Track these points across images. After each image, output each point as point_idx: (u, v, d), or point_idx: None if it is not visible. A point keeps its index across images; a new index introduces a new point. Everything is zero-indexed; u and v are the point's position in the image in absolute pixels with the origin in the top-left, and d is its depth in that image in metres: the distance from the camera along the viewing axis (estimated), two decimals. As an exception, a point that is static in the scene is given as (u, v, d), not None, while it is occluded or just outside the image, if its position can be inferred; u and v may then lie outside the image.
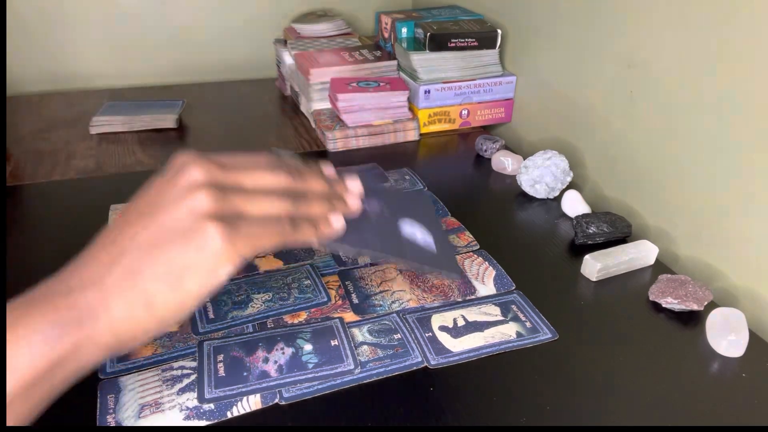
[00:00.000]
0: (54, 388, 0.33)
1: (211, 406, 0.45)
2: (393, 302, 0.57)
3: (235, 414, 0.45)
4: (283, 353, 0.50)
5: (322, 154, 0.89)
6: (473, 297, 0.58)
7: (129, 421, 0.44)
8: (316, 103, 0.97)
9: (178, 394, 0.46)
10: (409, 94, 0.94)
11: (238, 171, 0.38)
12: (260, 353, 0.50)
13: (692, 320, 0.57)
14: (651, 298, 0.59)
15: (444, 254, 0.50)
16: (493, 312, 0.56)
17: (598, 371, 0.50)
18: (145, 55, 1.22)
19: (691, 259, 0.68)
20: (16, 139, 0.92)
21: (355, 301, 0.57)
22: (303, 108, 1.05)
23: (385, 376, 0.49)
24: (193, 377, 0.48)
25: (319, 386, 0.47)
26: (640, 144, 0.73)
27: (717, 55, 0.61)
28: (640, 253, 0.63)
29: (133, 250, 0.34)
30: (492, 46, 0.95)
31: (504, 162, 0.84)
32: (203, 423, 0.44)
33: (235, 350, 0.50)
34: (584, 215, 0.68)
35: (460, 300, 0.58)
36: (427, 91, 0.93)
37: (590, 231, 0.66)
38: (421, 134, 0.95)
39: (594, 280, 0.61)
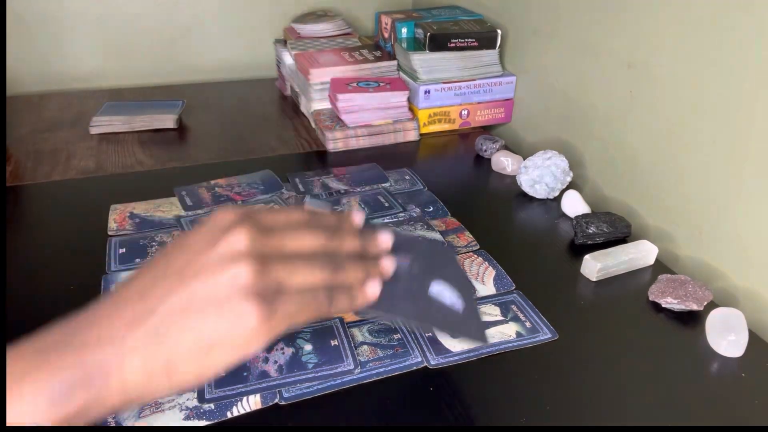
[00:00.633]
0: None
1: (211, 406, 0.45)
2: (393, 302, 0.57)
3: (235, 414, 0.45)
4: (283, 353, 0.50)
5: (322, 154, 0.89)
6: (473, 297, 0.58)
7: (129, 421, 0.44)
8: (316, 103, 0.97)
9: (178, 394, 0.46)
10: (409, 94, 0.94)
11: (280, 234, 0.37)
12: (260, 353, 0.50)
13: (692, 320, 0.57)
14: (651, 298, 0.59)
15: (470, 316, 0.49)
16: (493, 312, 0.56)
17: (598, 371, 0.50)
18: (145, 55, 1.22)
19: (691, 259, 0.68)
20: (16, 139, 0.92)
21: (355, 301, 0.57)
22: (303, 108, 1.05)
23: (385, 376, 0.49)
24: (193, 377, 0.48)
25: (319, 386, 0.47)
26: (640, 144, 0.73)
27: (717, 55, 0.61)
28: (640, 253, 0.63)
29: (162, 313, 0.32)
30: (492, 46, 0.95)
31: (504, 162, 0.84)
32: (203, 423, 0.44)
33: (235, 350, 0.50)
34: (584, 215, 0.68)
35: (460, 300, 0.58)
36: (427, 91, 0.93)
37: (590, 231, 0.66)
38: (421, 134, 0.95)
39: (594, 280, 0.62)
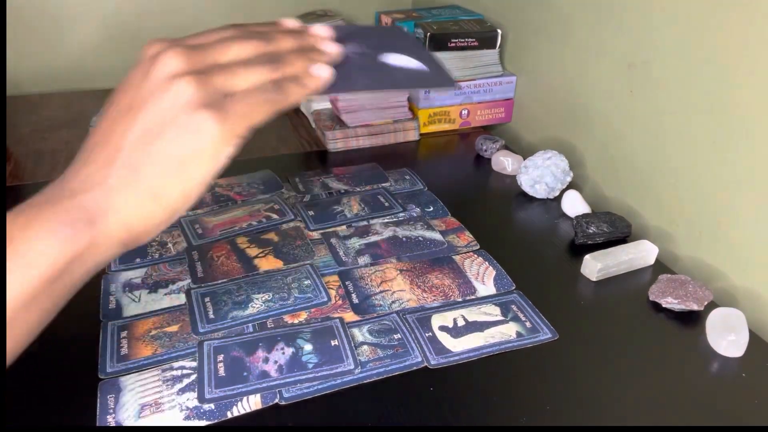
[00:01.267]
0: (75, 283, 0.34)
1: (211, 406, 0.45)
2: (393, 302, 0.57)
3: (235, 414, 0.45)
4: (283, 353, 0.50)
5: (322, 154, 0.89)
6: (473, 297, 0.58)
7: (129, 421, 0.44)
8: (316, 103, 0.97)
9: (178, 394, 0.46)
10: (409, 94, 0.94)
11: (210, 49, 0.37)
12: (260, 353, 0.50)
13: (692, 320, 0.57)
14: (651, 298, 0.59)
15: (435, 70, 0.48)
16: (493, 312, 0.56)
17: (598, 371, 0.50)
18: (145, 55, 1.22)
19: (691, 259, 0.68)
20: (16, 139, 0.92)
21: (355, 301, 0.57)
22: (303, 108, 1.05)
23: (385, 376, 0.49)
24: (193, 377, 0.48)
25: (319, 386, 0.47)
26: (640, 144, 0.73)
27: (717, 55, 0.61)
28: (640, 253, 0.63)
29: (128, 147, 0.34)
30: (492, 46, 0.95)
31: (504, 162, 0.84)
32: (203, 423, 0.44)
33: (235, 350, 0.50)
34: (584, 215, 0.68)
35: (460, 300, 0.58)
36: (427, 91, 0.93)
37: (590, 231, 0.66)
38: (421, 134, 0.95)
39: (594, 280, 0.62)
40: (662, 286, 0.59)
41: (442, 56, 0.93)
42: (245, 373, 0.48)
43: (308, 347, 0.51)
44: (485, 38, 0.94)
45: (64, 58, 1.18)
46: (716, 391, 0.49)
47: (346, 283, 0.60)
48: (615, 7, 0.74)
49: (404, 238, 0.66)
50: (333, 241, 0.66)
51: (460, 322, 0.55)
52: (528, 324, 0.55)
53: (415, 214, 0.72)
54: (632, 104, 0.73)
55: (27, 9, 1.12)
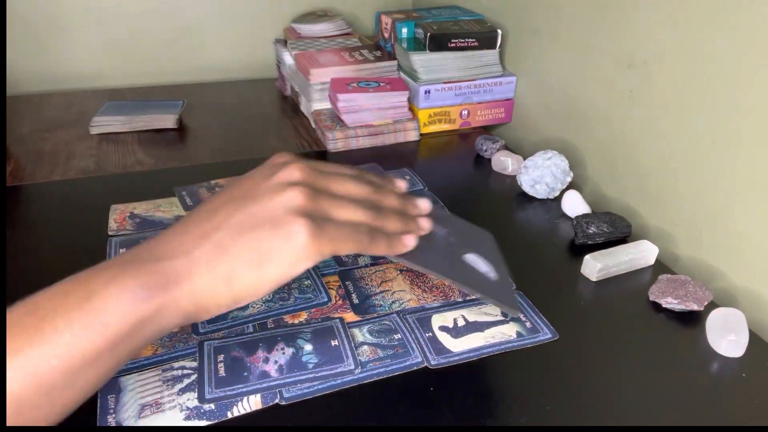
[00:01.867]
0: (136, 347, 0.35)
1: (212, 406, 0.45)
2: (393, 302, 0.57)
3: (236, 414, 0.45)
4: (284, 353, 0.50)
5: (322, 154, 0.89)
6: (473, 297, 0.58)
7: (129, 421, 0.44)
8: (316, 103, 0.97)
9: (178, 394, 0.46)
10: (409, 94, 0.94)
11: (329, 177, 0.42)
12: (260, 353, 0.50)
13: (692, 320, 0.57)
14: (651, 298, 0.59)
15: (504, 288, 0.52)
16: (493, 312, 0.56)
17: (598, 371, 0.50)
18: (145, 55, 1.22)
19: (691, 259, 0.68)
20: (16, 139, 0.92)
21: (356, 301, 0.57)
22: (303, 108, 1.05)
23: (385, 376, 0.49)
24: (193, 377, 0.48)
25: (319, 386, 0.47)
26: (640, 144, 0.73)
27: (717, 55, 0.61)
28: (640, 253, 0.64)
29: (225, 229, 0.37)
30: (492, 46, 0.95)
31: (504, 162, 0.84)
32: (203, 423, 0.44)
33: (236, 350, 0.50)
34: (584, 215, 0.68)
35: (460, 300, 0.58)
36: (427, 91, 0.93)
37: (590, 231, 0.66)
38: (421, 134, 0.95)
39: (594, 280, 0.62)
40: (662, 286, 0.59)
41: (442, 56, 0.93)
42: (245, 373, 0.48)
43: (308, 347, 0.51)
44: (485, 38, 0.94)
45: (64, 59, 1.18)
46: (716, 391, 0.49)
47: (346, 283, 0.60)
48: (615, 8, 0.74)
49: (404, 238, 0.66)
50: (333, 241, 0.66)
51: (461, 323, 0.55)
52: (528, 324, 0.55)
53: (415, 214, 0.72)
54: (632, 104, 0.74)
55: (27, 9, 1.12)
